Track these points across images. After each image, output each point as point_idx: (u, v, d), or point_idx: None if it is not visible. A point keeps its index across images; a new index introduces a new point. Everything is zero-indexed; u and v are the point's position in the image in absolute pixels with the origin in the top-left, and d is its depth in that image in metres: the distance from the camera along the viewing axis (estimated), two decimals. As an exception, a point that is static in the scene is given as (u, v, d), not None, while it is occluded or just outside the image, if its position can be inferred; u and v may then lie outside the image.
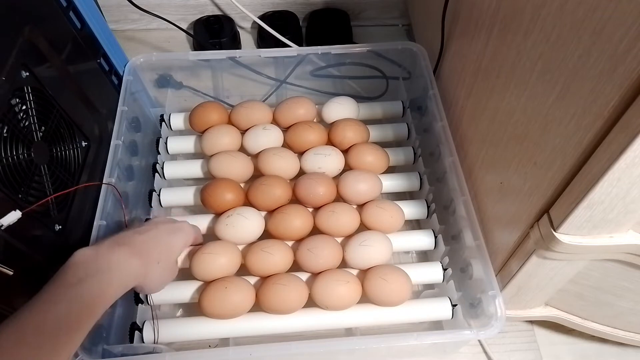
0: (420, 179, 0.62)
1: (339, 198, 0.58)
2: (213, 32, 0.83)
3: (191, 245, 0.54)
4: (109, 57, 0.64)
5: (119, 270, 0.43)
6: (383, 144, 0.63)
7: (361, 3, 0.88)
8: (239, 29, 0.88)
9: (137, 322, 0.51)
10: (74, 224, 0.53)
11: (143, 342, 0.50)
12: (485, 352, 0.60)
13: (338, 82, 0.73)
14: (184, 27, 0.87)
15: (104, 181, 0.54)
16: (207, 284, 0.51)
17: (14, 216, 0.42)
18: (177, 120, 0.67)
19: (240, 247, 0.55)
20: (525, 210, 0.42)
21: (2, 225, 0.41)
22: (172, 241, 0.50)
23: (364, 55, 0.67)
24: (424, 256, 0.66)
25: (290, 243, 0.56)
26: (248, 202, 0.58)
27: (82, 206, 0.55)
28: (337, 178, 0.59)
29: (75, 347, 0.38)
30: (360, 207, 0.58)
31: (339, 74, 0.72)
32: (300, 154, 0.61)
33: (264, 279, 0.52)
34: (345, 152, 0.61)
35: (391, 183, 0.62)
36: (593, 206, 0.34)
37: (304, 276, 0.53)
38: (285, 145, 0.63)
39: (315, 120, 0.66)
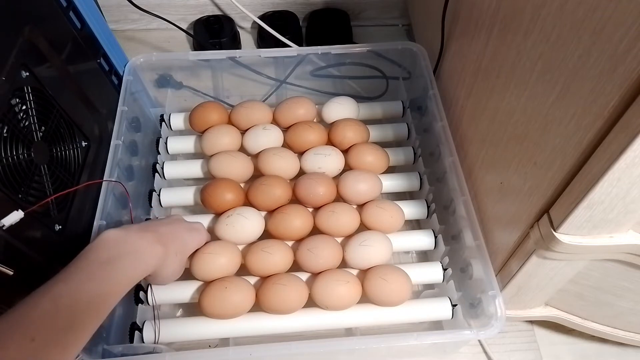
0: (420, 179, 0.62)
1: (339, 198, 0.58)
2: (213, 32, 0.83)
3: None
4: (109, 57, 0.64)
5: (145, 254, 0.44)
6: (383, 144, 0.63)
7: (361, 3, 0.88)
8: (239, 29, 0.88)
9: (137, 322, 0.51)
10: (74, 224, 0.53)
11: (143, 342, 0.50)
12: (485, 352, 0.60)
13: (338, 82, 0.73)
14: (184, 27, 0.87)
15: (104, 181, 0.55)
16: (207, 284, 0.51)
17: (16, 216, 0.42)
18: (177, 120, 0.67)
19: (240, 247, 0.55)
20: (525, 210, 0.42)
21: (3, 226, 0.41)
22: (188, 238, 0.51)
23: (364, 55, 0.67)
24: (424, 256, 0.66)
25: (290, 243, 0.56)
26: (248, 202, 0.58)
27: (82, 206, 0.55)
28: (337, 178, 0.59)
29: (97, 327, 0.39)
30: (360, 207, 0.58)
31: (339, 74, 0.72)
32: (300, 154, 0.61)
33: (264, 279, 0.52)
34: (345, 152, 0.61)
35: (391, 183, 0.62)
36: (593, 206, 0.34)
37: (304, 276, 0.53)
38: (285, 145, 0.63)
39: (315, 120, 0.66)
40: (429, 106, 0.63)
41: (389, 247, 0.54)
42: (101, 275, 0.41)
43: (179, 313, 0.60)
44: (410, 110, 0.68)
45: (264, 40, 0.86)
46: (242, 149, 0.63)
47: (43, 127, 0.49)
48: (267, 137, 0.62)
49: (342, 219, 0.55)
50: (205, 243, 0.53)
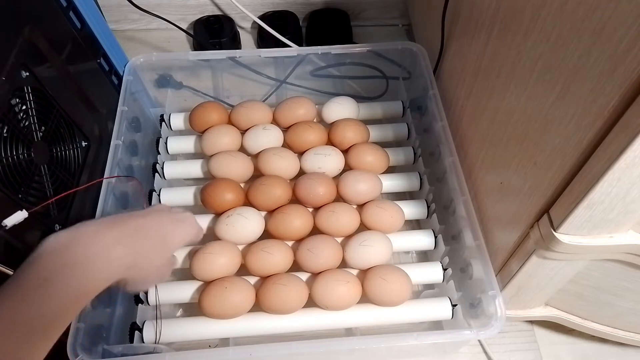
0: (420, 179, 0.62)
1: (339, 198, 0.58)
2: (213, 32, 0.83)
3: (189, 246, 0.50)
4: (109, 57, 0.64)
5: (100, 261, 0.37)
6: (383, 144, 0.63)
7: (361, 3, 0.88)
8: (239, 29, 0.88)
9: (137, 322, 0.51)
10: (74, 224, 0.53)
11: (143, 342, 0.50)
12: (485, 352, 0.60)
13: (338, 82, 0.73)
14: (184, 27, 0.87)
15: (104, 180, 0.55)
16: (207, 284, 0.51)
17: (20, 216, 0.42)
18: (177, 120, 0.67)
19: (240, 247, 0.55)
20: (525, 210, 0.42)
21: (6, 226, 0.41)
22: (171, 232, 0.44)
23: (364, 55, 0.67)
24: (424, 256, 0.66)
25: (290, 243, 0.56)
26: (248, 202, 0.58)
27: (82, 206, 0.55)
28: (337, 178, 0.59)
29: (50, 345, 0.34)
30: (360, 207, 0.58)
31: (339, 74, 0.72)
32: (300, 154, 0.61)
33: (264, 279, 0.52)
34: (345, 152, 0.61)
35: (391, 183, 0.62)
36: (593, 206, 0.34)
37: (304, 276, 0.53)
38: (285, 145, 0.63)
39: (315, 120, 0.66)
40: (429, 106, 0.63)
41: (389, 247, 0.54)
42: (40, 297, 0.34)
43: (179, 313, 0.60)
44: (410, 110, 0.68)
45: (264, 40, 0.86)
46: (242, 149, 0.63)
47: (43, 127, 0.49)
48: (267, 137, 0.62)
49: (342, 219, 0.55)
50: (205, 243, 0.53)
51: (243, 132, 0.63)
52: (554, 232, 0.38)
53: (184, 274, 0.54)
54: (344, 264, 0.54)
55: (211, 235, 0.56)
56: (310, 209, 0.58)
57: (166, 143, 0.65)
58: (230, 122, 0.65)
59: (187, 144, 0.65)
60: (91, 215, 0.52)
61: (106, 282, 0.38)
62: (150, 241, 0.42)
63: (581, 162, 0.34)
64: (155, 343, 0.50)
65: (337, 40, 0.74)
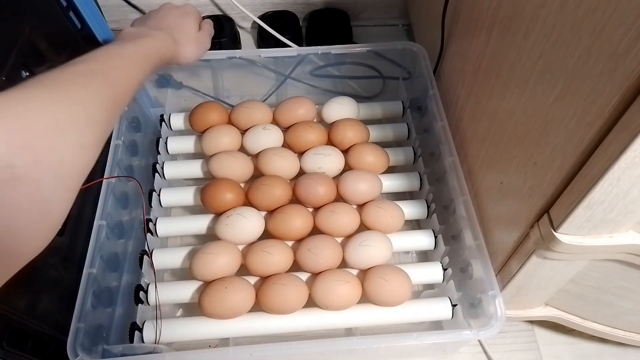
0: (420, 179, 0.62)
1: (339, 198, 0.58)
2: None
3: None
4: (109, 57, 0.64)
5: (157, 37, 0.49)
6: (383, 144, 0.63)
7: (361, 3, 0.88)
8: (239, 29, 0.88)
9: (137, 322, 0.51)
10: (74, 224, 0.53)
11: (143, 342, 0.50)
12: (485, 352, 0.60)
13: (338, 82, 0.73)
14: (184, 27, 0.87)
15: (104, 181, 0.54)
16: (207, 284, 0.51)
17: None
18: (177, 120, 0.67)
19: (240, 247, 0.55)
20: (525, 210, 0.42)
21: None
22: (185, 21, 0.55)
23: (364, 55, 0.67)
24: (424, 256, 0.66)
25: (290, 243, 0.56)
26: (248, 202, 0.58)
27: (82, 206, 0.55)
28: (337, 178, 0.59)
29: (139, 85, 0.43)
30: (360, 207, 0.58)
31: (338, 74, 0.72)
32: (300, 154, 0.61)
33: (264, 279, 0.52)
34: (345, 152, 0.61)
35: (391, 183, 0.62)
36: (593, 206, 0.34)
37: (304, 276, 0.53)
38: (285, 145, 0.63)
39: (315, 120, 0.66)
40: (429, 106, 0.63)
41: (389, 247, 0.54)
42: (129, 46, 0.44)
43: (179, 313, 0.60)
44: (410, 110, 0.68)
45: (264, 40, 0.86)
46: (242, 149, 0.63)
47: (43, 127, 0.49)
48: (267, 137, 0.62)
49: (342, 219, 0.55)
50: (205, 243, 0.53)
51: (243, 132, 0.63)
52: (554, 232, 0.38)
53: (184, 274, 0.53)
54: (344, 264, 0.54)
55: (211, 235, 0.56)
56: (310, 209, 0.58)
57: (166, 143, 0.65)
58: (230, 122, 0.65)
59: (187, 144, 0.65)
60: (91, 215, 0.52)
61: (164, 54, 0.49)
62: (177, 26, 0.54)
63: (581, 162, 0.34)
64: (155, 343, 0.50)
65: (337, 40, 0.74)
